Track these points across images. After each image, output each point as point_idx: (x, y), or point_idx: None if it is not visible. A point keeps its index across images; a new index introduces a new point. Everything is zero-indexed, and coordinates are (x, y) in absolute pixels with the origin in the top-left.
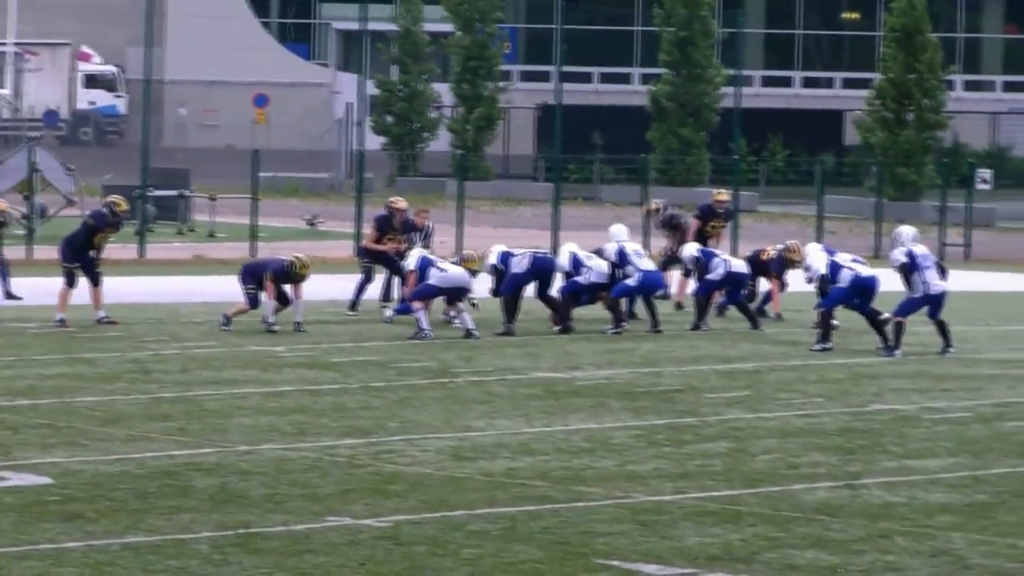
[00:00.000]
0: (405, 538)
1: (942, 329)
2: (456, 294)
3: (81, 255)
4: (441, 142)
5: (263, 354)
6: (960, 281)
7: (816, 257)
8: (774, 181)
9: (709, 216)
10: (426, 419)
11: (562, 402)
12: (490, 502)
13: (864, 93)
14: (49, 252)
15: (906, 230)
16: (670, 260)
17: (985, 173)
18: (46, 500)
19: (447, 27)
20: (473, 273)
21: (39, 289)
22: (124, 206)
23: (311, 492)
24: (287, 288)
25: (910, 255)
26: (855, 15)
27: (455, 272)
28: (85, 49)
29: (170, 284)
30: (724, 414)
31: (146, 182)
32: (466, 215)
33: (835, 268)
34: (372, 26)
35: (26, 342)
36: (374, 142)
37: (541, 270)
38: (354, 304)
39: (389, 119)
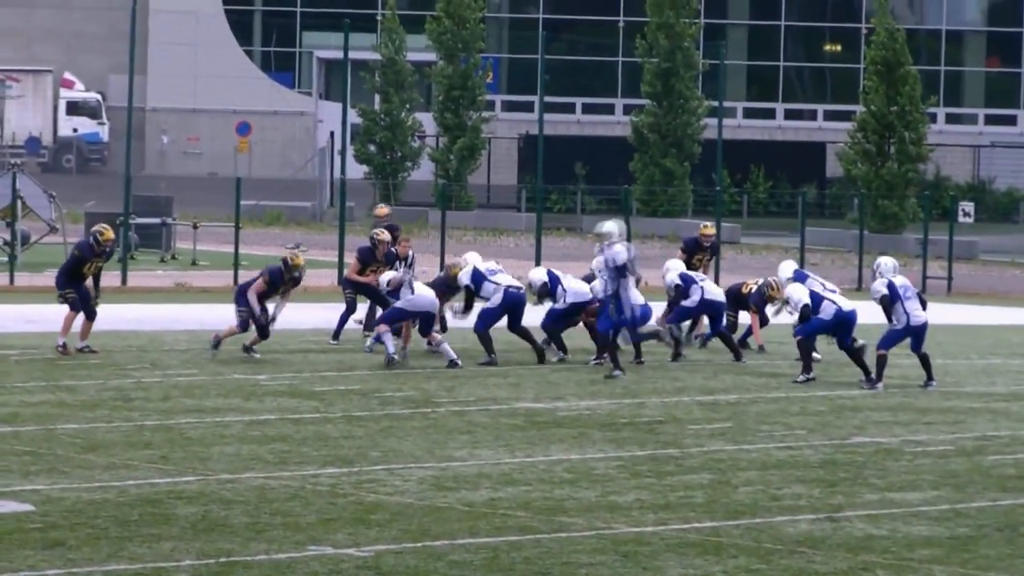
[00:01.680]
0: (387, 568)
1: (924, 362)
2: (425, 319)
3: (74, 283)
4: (424, 171)
5: (245, 383)
6: (942, 314)
7: (796, 291)
8: (756, 213)
9: (695, 249)
10: (408, 449)
11: (544, 432)
12: (472, 532)
13: (846, 125)
14: (31, 279)
15: (886, 261)
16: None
17: (967, 206)
18: (27, 527)
19: (430, 56)
20: (455, 281)
21: (21, 316)
22: (109, 234)
23: (293, 521)
24: (271, 305)
25: (890, 287)
26: (837, 47)
27: (423, 296)
28: (67, 76)
29: (152, 312)
30: (706, 446)
31: (129, 210)
32: (448, 245)
33: (817, 300)
34: (355, 55)
35: (8, 369)
36: (356, 171)
37: (513, 305)
38: (337, 333)
39: (372, 148)
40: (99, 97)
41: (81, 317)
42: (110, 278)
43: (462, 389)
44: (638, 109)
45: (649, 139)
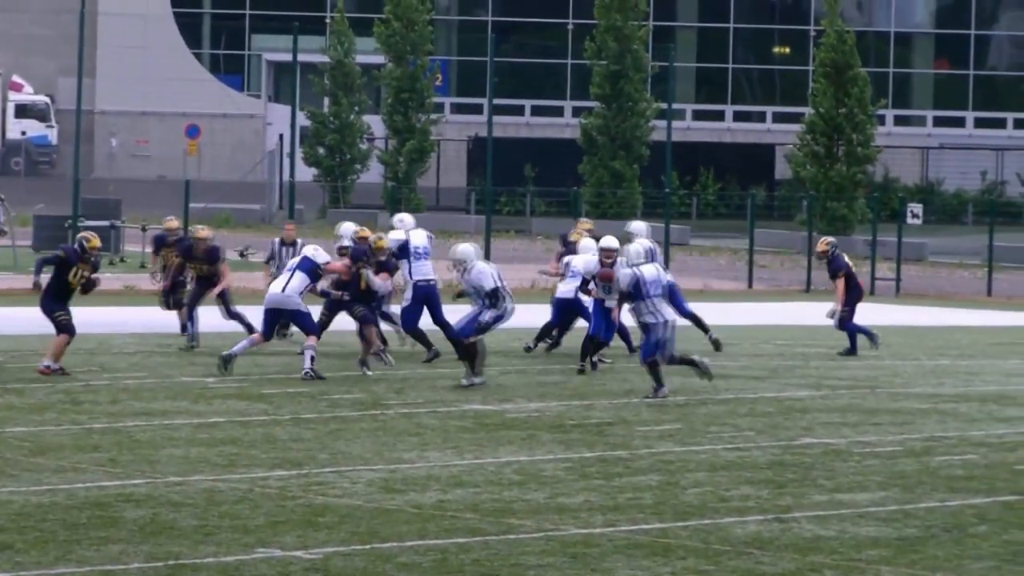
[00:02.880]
0: (335, 570)
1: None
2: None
3: (61, 301)
4: (373, 174)
5: (193, 385)
6: (890, 315)
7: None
8: (706, 215)
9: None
10: (357, 451)
11: (493, 435)
12: (421, 534)
13: (795, 127)
14: None
15: (635, 247)
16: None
17: (916, 208)
18: None
19: (379, 59)
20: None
21: None
22: (96, 242)
23: (241, 524)
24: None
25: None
26: (786, 50)
27: None
28: (16, 79)
29: (101, 315)
30: (655, 447)
31: (78, 212)
32: None
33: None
34: (304, 58)
35: None
36: (306, 173)
37: (425, 297)
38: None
39: (321, 151)
40: (48, 100)
41: (31, 322)
42: None
43: (411, 392)
44: (587, 111)
45: (598, 141)
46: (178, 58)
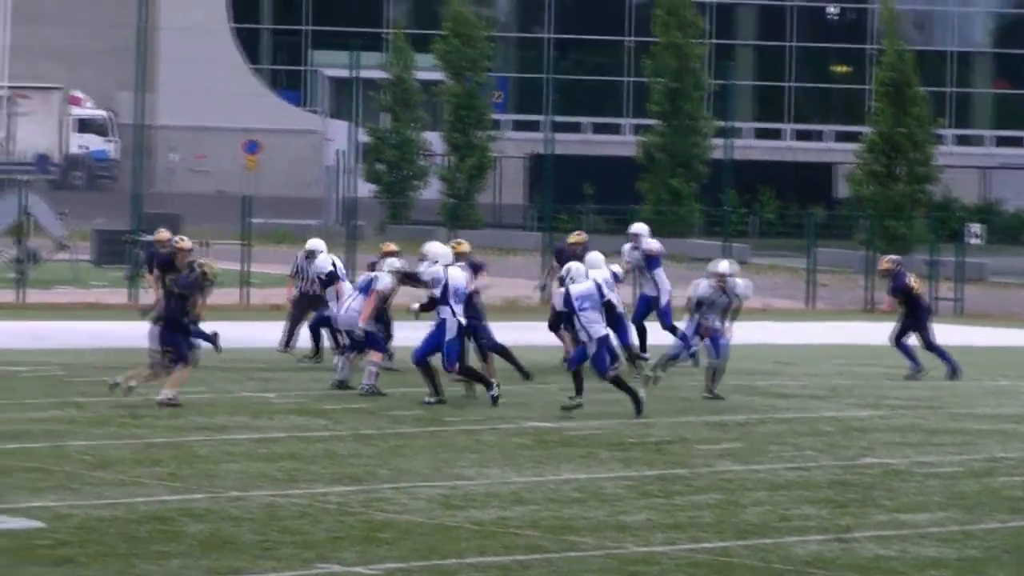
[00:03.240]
0: None
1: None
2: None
3: (185, 332)
4: (432, 190)
5: (254, 400)
6: (951, 336)
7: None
8: (765, 233)
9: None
10: (417, 467)
11: (553, 452)
12: (481, 551)
13: (854, 146)
14: (40, 296)
15: (577, 266)
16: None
17: (976, 227)
18: (37, 544)
19: (438, 75)
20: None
21: (29, 333)
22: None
23: (301, 539)
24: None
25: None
26: (845, 68)
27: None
28: (76, 93)
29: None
30: (715, 465)
31: (138, 227)
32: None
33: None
34: (363, 74)
35: (17, 385)
36: (364, 189)
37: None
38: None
39: (380, 166)
40: (108, 114)
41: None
42: (119, 295)
43: (471, 409)
44: (646, 129)
45: (657, 159)
46: (238, 73)
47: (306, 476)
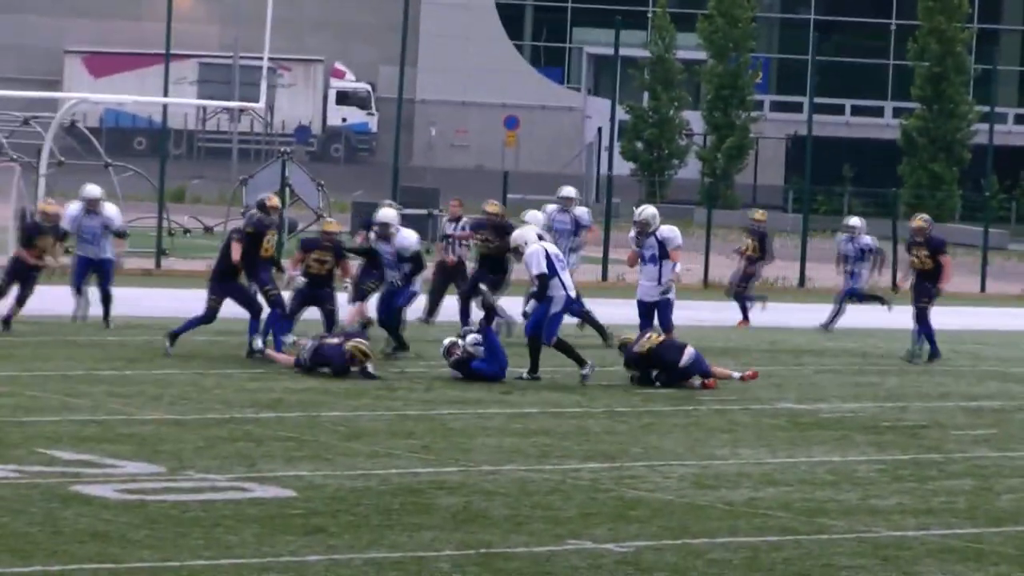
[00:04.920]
0: (646, 564)
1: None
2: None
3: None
4: (690, 169)
5: (508, 375)
6: None
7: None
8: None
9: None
10: (669, 446)
11: (806, 434)
12: (732, 531)
13: None
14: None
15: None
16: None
17: None
18: (289, 513)
19: (700, 55)
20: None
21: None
22: (274, 200)
23: (553, 515)
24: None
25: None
26: None
27: None
28: (338, 66)
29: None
30: (969, 451)
31: (396, 200)
32: (713, 243)
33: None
34: (625, 52)
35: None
36: (623, 167)
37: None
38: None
39: (639, 145)
40: (369, 88)
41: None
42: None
43: (724, 389)
44: (908, 113)
45: (918, 143)
46: (499, 49)
47: (559, 452)
